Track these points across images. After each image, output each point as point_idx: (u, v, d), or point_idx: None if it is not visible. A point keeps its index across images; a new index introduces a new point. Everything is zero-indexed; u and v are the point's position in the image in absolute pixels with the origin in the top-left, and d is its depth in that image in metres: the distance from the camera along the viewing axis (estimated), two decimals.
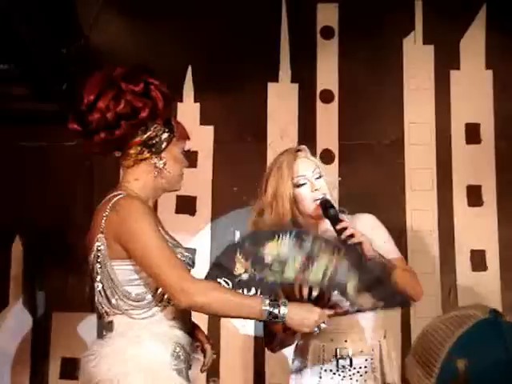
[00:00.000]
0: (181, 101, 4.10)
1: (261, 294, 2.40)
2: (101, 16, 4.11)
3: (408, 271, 2.69)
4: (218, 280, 2.41)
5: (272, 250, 2.43)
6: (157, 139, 2.46)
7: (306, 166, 2.69)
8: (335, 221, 2.57)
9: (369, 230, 2.64)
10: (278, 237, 2.44)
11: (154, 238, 2.33)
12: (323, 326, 2.38)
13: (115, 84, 2.40)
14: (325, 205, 2.62)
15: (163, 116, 2.46)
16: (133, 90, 2.40)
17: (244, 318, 2.46)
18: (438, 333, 1.25)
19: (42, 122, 4.04)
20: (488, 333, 1.24)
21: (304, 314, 2.35)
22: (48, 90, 3.77)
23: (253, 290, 2.42)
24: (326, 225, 2.67)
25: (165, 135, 2.47)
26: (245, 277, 2.42)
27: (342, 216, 2.59)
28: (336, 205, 2.67)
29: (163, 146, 2.47)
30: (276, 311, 2.30)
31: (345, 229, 2.53)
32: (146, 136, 2.44)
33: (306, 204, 2.66)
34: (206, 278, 2.44)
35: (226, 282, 2.42)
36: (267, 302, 2.31)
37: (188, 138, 2.58)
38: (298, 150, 2.74)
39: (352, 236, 2.52)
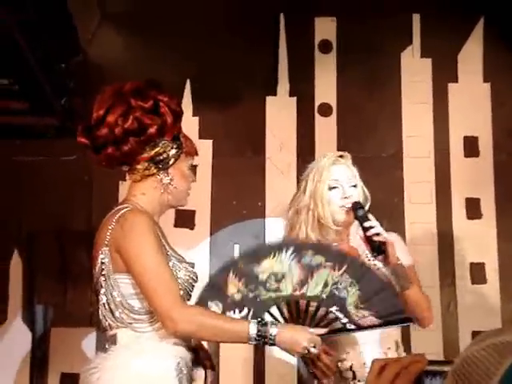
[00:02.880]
0: None
1: (254, 313, 2.38)
2: (99, 31, 4.12)
3: (423, 295, 2.63)
4: (210, 303, 2.39)
5: (268, 267, 2.41)
6: (164, 155, 2.45)
7: (343, 172, 2.70)
8: (364, 220, 2.58)
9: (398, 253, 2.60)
10: (275, 253, 2.41)
11: (153, 259, 2.32)
12: (313, 350, 2.33)
13: (125, 100, 2.40)
14: (355, 206, 2.62)
15: (172, 132, 2.46)
16: (142, 107, 2.40)
17: (233, 342, 2.45)
18: (482, 362, 1.12)
19: (41, 137, 4.04)
20: None
21: (294, 337, 2.32)
22: (47, 105, 3.77)
23: (245, 310, 2.38)
24: (355, 233, 2.69)
25: (173, 151, 2.47)
26: (237, 297, 2.39)
27: (370, 216, 2.59)
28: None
29: (171, 162, 2.47)
30: (264, 333, 2.28)
31: (372, 227, 2.54)
32: (153, 152, 2.44)
33: (332, 209, 2.65)
34: (198, 300, 2.42)
35: (217, 305, 2.40)
36: (255, 325, 2.29)
37: (196, 154, 2.58)
38: (340, 156, 2.75)
39: (377, 235, 2.52)
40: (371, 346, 2.59)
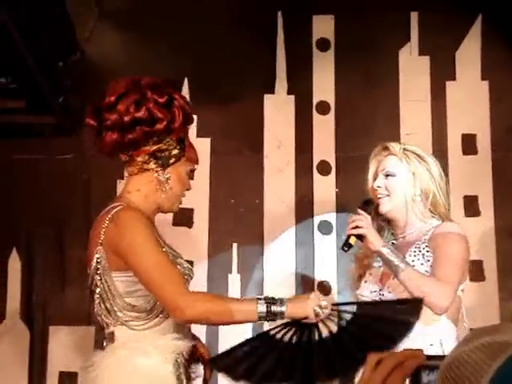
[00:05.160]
0: None
1: None
2: (97, 29, 4.12)
3: (426, 281, 2.56)
4: None
5: None
6: (166, 153, 2.46)
7: (382, 165, 2.74)
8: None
9: (439, 241, 2.64)
10: None
11: (153, 252, 2.32)
12: (324, 303, 2.32)
13: (140, 90, 2.42)
14: (362, 202, 2.68)
15: (178, 133, 2.47)
16: (156, 100, 2.42)
17: (243, 322, 2.44)
18: (471, 364, 1.10)
19: (39, 135, 4.04)
20: None
21: (302, 308, 2.31)
22: (44, 104, 3.77)
23: None
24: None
25: (175, 151, 2.48)
26: None
27: (360, 212, 2.61)
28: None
29: (171, 161, 2.47)
30: (274, 311, 2.27)
31: (350, 223, 2.59)
32: (156, 147, 2.45)
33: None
34: None
35: None
36: (263, 304, 2.28)
37: (197, 163, 2.60)
38: (382, 148, 2.79)
39: (355, 228, 2.57)
40: (411, 342, 2.56)
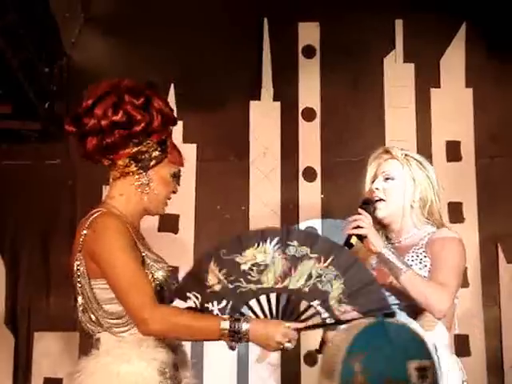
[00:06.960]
0: None
1: (232, 306, 2.32)
2: (82, 35, 4.12)
3: (425, 283, 2.54)
4: (188, 294, 2.33)
5: (250, 257, 2.33)
6: (146, 155, 2.45)
7: (382, 167, 2.73)
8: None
9: (437, 247, 2.63)
10: (259, 243, 2.34)
11: (124, 260, 2.29)
12: (289, 345, 2.27)
13: (119, 93, 2.41)
14: (362, 201, 2.66)
15: (159, 135, 2.45)
16: (133, 102, 2.40)
17: (207, 340, 2.42)
18: (335, 339, 1.47)
19: (25, 141, 4.03)
20: (376, 333, 1.65)
21: (268, 333, 2.27)
22: (30, 109, 3.77)
23: (223, 302, 2.31)
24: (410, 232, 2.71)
25: (155, 153, 2.46)
26: (217, 288, 2.32)
27: (361, 211, 2.59)
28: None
29: (152, 163, 2.46)
30: (237, 328, 2.24)
31: (351, 222, 2.56)
32: (136, 149, 2.43)
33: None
34: (177, 291, 2.37)
35: (196, 297, 2.35)
36: (227, 321, 2.25)
37: (181, 165, 2.57)
38: (384, 152, 2.77)
39: (357, 227, 2.54)
40: None
